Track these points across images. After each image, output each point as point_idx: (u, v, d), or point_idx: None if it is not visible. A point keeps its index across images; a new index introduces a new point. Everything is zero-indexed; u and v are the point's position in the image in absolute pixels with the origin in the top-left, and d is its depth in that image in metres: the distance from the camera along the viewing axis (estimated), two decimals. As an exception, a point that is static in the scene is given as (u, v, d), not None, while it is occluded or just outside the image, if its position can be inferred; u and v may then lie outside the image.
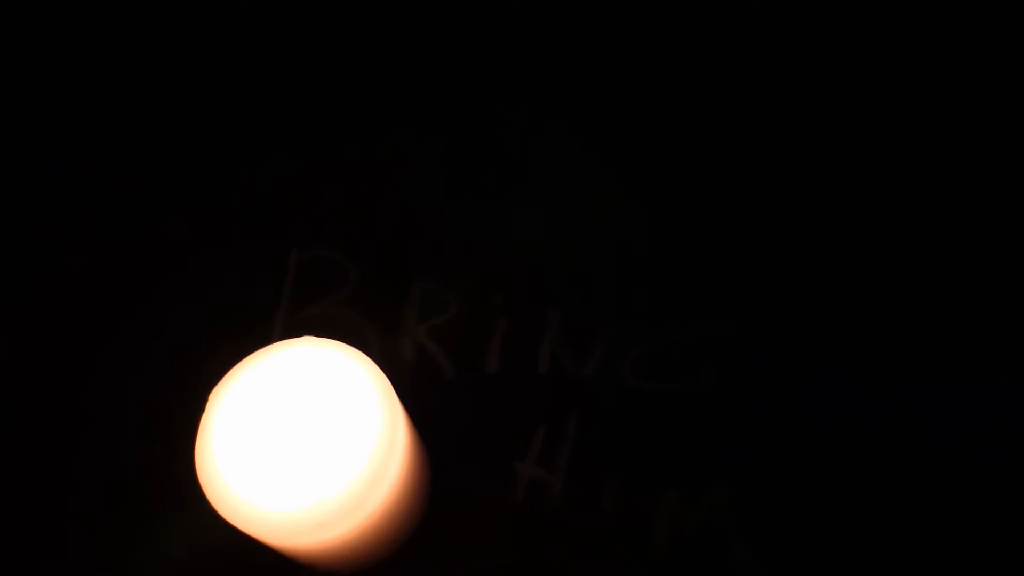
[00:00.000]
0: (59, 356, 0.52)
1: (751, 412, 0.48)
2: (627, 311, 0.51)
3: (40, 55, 0.62)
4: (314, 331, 0.42)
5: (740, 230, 0.53)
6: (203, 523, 0.38)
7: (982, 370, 0.48)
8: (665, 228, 0.54)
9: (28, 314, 0.54)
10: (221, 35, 0.62)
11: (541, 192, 0.56)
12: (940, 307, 0.50)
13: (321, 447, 0.38)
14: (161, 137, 0.59)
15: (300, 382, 0.40)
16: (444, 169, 0.57)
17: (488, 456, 0.48)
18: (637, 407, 0.49)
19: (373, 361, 0.41)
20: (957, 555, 0.44)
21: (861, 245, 0.52)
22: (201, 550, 0.44)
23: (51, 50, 0.62)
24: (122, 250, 0.55)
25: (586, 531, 0.46)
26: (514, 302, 0.52)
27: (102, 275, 0.54)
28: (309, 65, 0.61)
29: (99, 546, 0.47)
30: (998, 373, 0.48)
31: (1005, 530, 0.44)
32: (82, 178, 0.58)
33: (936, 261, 0.51)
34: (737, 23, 0.59)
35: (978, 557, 0.44)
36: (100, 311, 0.53)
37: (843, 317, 0.50)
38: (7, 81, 0.61)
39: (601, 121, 0.58)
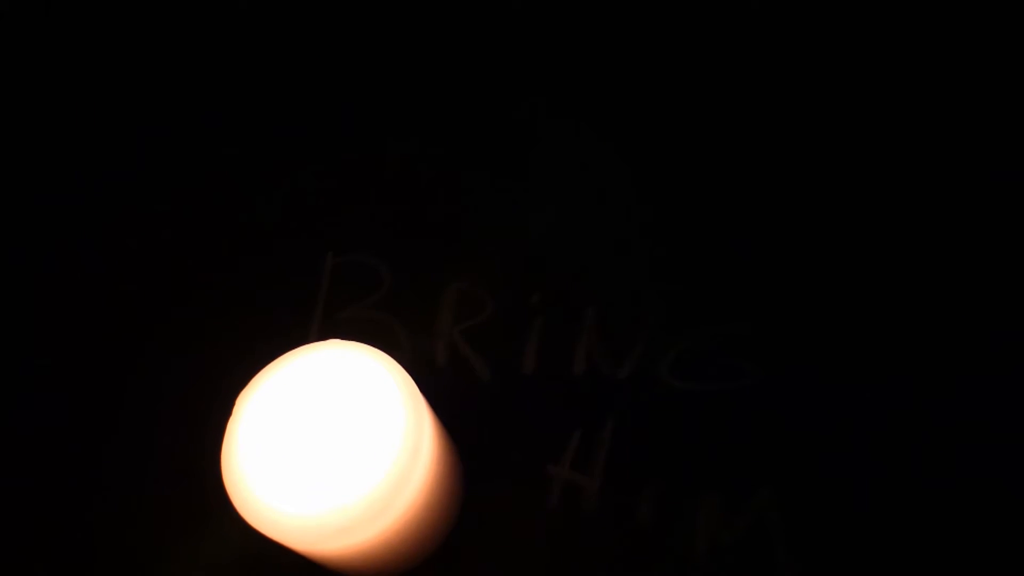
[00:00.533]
0: (93, 359, 0.53)
1: (794, 411, 0.46)
2: (665, 309, 0.50)
3: (87, 60, 0.64)
4: (348, 334, 0.42)
5: (779, 227, 0.52)
6: (230, 527, 0.38)
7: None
8: (703, 225, 0.53)
9: (64, 316, 0.55)
10: (261, 41, 0.63)
11: (577, 192, 0.55)
12: (991, 305, 0.47)
13: (345, 451, 0.38)
14: (201, 141, 0.60)
15: (326, 385, 0.39)
16: (480, 170, 0.56)
17: (523, 460, 0.47)
18: (675, 408, 0.47)
19: (403, 364, 0.40)
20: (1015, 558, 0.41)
21: (907, 240, 0.50)
22: (228, 554, 0.44)
23: (98, 56, 0.64)
24: (157, 254, 0.56)
25: (623, 537, 0.44)
26: (550, 301, 0.51)
27: (136, 281, 0.55)
28: (343, 71, 0.61)
29: (126, 551, 0.47)
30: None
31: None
32: (120, 178, 0.59)
33: (980, 258, 0.49)
34: (749, 23, 0.57)
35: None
36: (134, 315, 0.54)
37: (890, 314, 0.48)
38: (45, 87, 0.63)
39: (631, 122, 0.57)
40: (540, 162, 0.56)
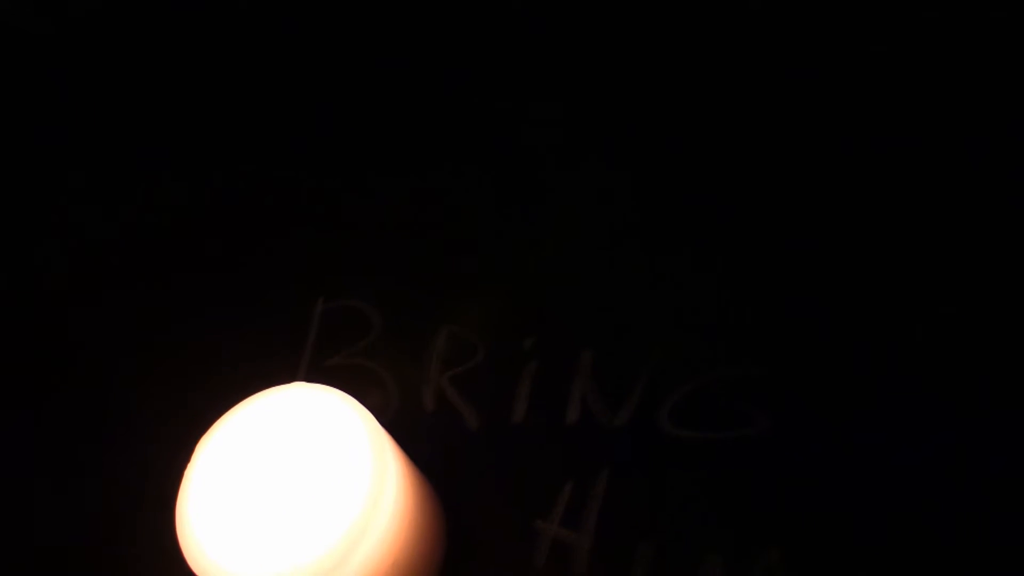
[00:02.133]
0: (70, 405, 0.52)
1: (806, 463, 0.42)
2: (665, 353, 0.46)
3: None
4: (335, 381, 0.40)
5: (789, 266, 0.48)
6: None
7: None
8: (705, 266, 0.49)
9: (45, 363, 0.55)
10: (241, 82, 0.63)
11: (572, 230, 0.52)
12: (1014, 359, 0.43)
13: (300, 503, 0.35)
14: (195, 178, 0.60)
15: (287, 430, 0.37)
16: (472, 210, 0.54)
17: (509, 514, 0.43)
18: (676, 459, 0.43)
19: (389, 413, 0.38)
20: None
21: (916, 285, 0.46)
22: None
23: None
24: (142, 297, 0.55)
25: (616, 601, 0.41)
26: (544, 345, 0.48)
27: (122, 322, 0.54)
28: (338, 111, 0.60)
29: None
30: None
31: None
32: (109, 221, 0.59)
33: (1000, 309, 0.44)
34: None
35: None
36: (117, 358, 0.53)
37: (910, 360, 0.44)
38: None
39: (636, 156, 0.54)
40: (535, 203, 0.54)
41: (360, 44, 0.62)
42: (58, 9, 0.73)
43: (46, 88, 0.67)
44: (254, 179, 0.58)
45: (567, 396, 0.46)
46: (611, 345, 0.47)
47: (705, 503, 0.42)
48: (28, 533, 0.47)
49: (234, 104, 0.63)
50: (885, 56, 0.53)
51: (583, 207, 0.53)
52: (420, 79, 0.60)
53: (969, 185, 0.49)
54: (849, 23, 0.54)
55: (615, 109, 0.56)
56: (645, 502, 0.43)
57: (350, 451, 0.36)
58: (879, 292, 0.47)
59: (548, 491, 0.44)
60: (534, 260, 0.51)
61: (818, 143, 0.52)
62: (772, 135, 0.53)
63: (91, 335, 0.54)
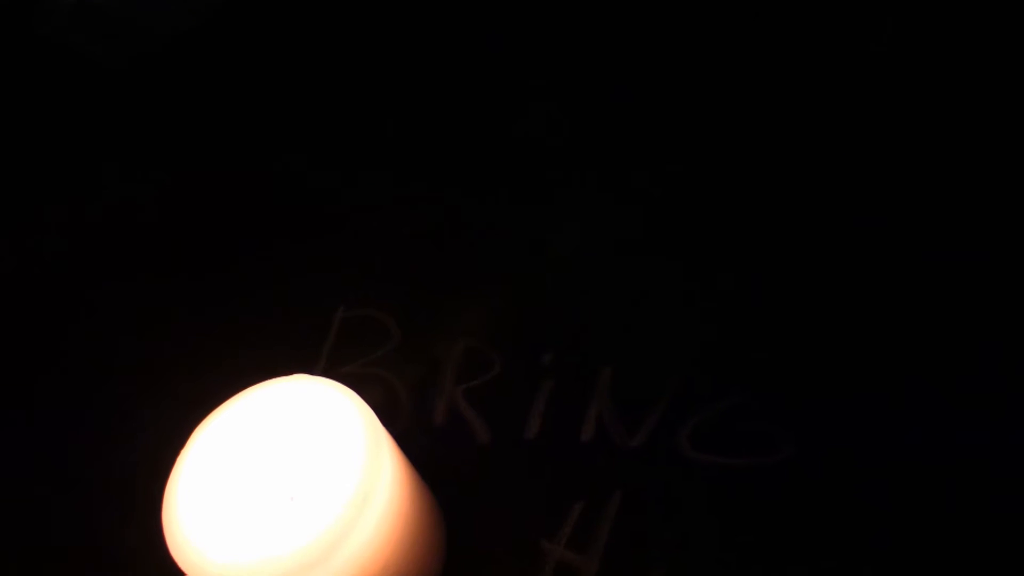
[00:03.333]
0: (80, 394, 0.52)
1: (832, 492, 0.39)
2: (688, 374, 0.44)
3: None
4: (353, 389, 0.39)
5: (820, 288, 0.46)
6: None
7: None
8: (736, 289, 0.47)
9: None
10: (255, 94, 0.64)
11: (597, 248, 0.51)
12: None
13: (289, 495, 0.34)
14: (212, 186, 0.60)
15: (284, 421, 0.37)
16: (497, 225, 0.53)
17: (515, 532, 0.41)
18: (693, 484, 0.41)
19: (400, 424, 0.39)
20: None
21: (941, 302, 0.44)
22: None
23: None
24: (162, 302, 0.55)
25: (622, 631, 0.38)
26: (563, 362, 0.46)
27: (143, 325, 0.54)
28: (362, 135, 0.61)
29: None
30: None
31: None
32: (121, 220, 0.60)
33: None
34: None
35: None
36: (139, 366, 0.53)
37: (941, 384, 0.41)
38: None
39: (656, 175, 0.53)
40: (564, 220, 0.53)
41: (379, 56, 0.64)
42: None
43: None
44: (283, 182, 0.59)
45: (583, 414, 0.44)
46: (632, 364, 0.45)
47: (722, 531, 0.39)
48: (20, 528, 0.47)
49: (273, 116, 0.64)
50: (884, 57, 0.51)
51: (609, 226, 0.52)
52: (444, 90, 0.60)
53: (970, 204, 0.46)
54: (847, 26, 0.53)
55: (640, 125, 0.55)
56: (658, 527, 0.40)
57: (344, 445, 0.35)
58: (913, 315, 0.44)
59: (557, 511, 0.41)
60: (556, 276, 0.50)
61: (831, 153, 0.51)
62: (792, 151, 0.52)
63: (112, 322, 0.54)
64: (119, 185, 0.64)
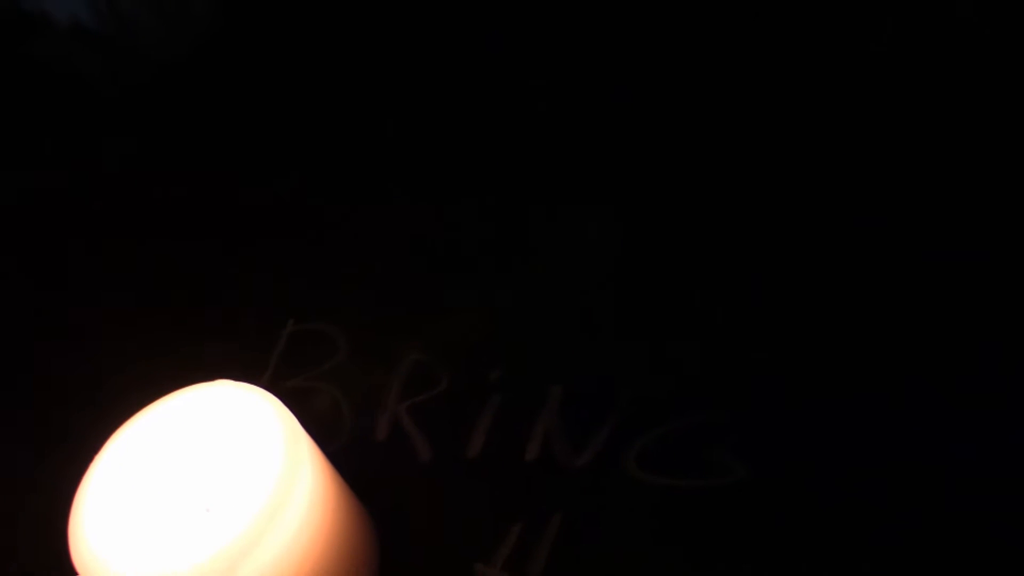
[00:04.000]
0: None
1: (790, 516, 0.37)
2: (638, 394, 0.42)
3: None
4: (293, 403, 0.37)
5: (773, 305, 0.44)
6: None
7: None
8: (686, 308, 0.46)
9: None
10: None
11: (550, 265, 0.49)
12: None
13: (197, 504, 0.33)
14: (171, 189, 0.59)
15: (200, 428, 0.35)
16: (449, 240, 0.52)
17: (450, 553, 0.39)
18: (641, 505, 0.39)
19: (342, 438, 0.39)
20: None
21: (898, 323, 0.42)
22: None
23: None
24: (105, 307, 0.54)
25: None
26: (512, 379, 0.45)
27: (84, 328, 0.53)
28: (316, 140, 0.60)
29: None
30: None
31: None
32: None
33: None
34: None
35: None
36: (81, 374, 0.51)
37: (899, 405, 0.39)
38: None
39: (616, 195, 0.52)
40: (511, 233, 0.51)
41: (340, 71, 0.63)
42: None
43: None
44: (234, 190, 0.58)
45: (528, 433, 0.42)
46: (582, 383, 0.44)
47: (667, 556, 0.37)
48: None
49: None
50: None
51: (562, 244, 0.50)
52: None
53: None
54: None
55: (595, 145, 0.54)
56: (599, 550, 0.38)
57: (260, 454, 0.33)
58: (866, 337, 0.42)
59: (495, 532, 0.39)
60: (508, 292, 0.49)
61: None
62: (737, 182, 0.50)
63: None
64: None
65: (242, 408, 0.35)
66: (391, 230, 0.54)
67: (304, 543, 0.33)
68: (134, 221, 0.60)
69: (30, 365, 0.51)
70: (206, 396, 0.36)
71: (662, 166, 0.53)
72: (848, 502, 0.37)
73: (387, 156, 0.59)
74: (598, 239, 0.50)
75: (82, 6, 0.88)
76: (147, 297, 0.54)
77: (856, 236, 0.46)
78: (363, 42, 0.67)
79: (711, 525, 0.38)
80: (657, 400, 0.42)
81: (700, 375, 0.43)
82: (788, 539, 0.36)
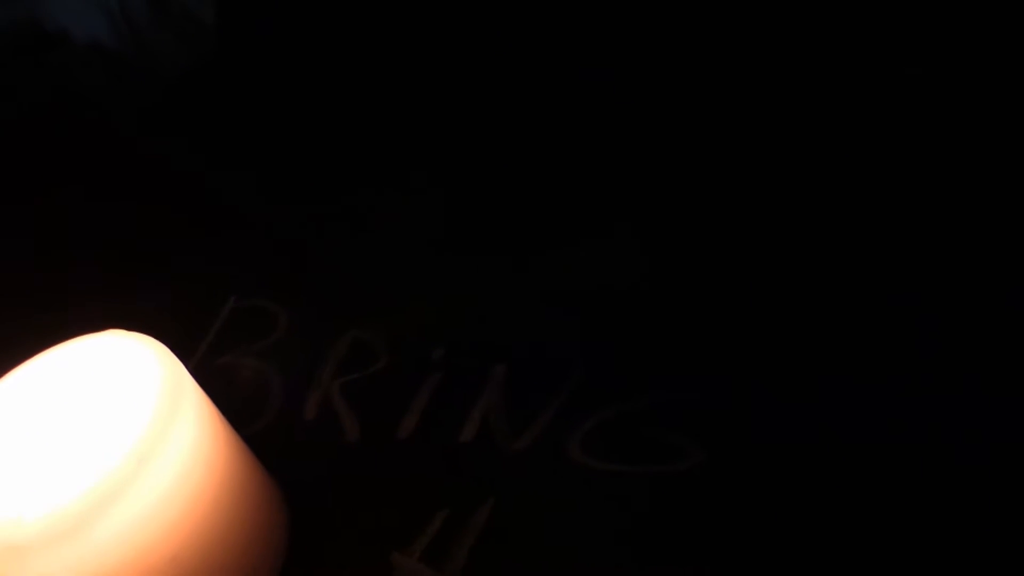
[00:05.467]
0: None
1: (745, 503, 0.32)
2: (589, 374, 0.38)
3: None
4: (225, 378, 0.34)
5: (730, 294, 0.40)
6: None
7: None
8: (638, 291, 0.42)
9: None
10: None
11: (496, 244, 0.46)
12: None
13: (62, 454, 0.29)
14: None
15: (78, 380, 0.32)
16: (396, 221, 0.49)
17: (365, 540, 0.35)
18: (583, 493, 0.34)
19: (270, 416, 0.35)
20: None
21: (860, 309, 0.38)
22: None
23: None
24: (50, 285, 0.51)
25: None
26: (456, 358, 0.41)
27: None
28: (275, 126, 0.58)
29: None
30: None
31: None
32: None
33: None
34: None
35: None
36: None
37: (863, 388, 0.34)
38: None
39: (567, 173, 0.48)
40: (467, 216, 0.48)
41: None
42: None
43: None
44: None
45: (467, 414, 0.38)
46: (531, 362, 0.39)
47: (608, 547, 0.32)
48: None
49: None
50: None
51: (510, 221, 0.47)
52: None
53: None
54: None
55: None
56: (531, 541, 0.33)
57: (134, 404, 0.29)
58: (823, 317, 0.38)
59: (417, 519, 0.35)
60: (460, 275, 0.45)
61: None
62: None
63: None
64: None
65: (127, 357, 0.32)
66: (327, 217, 0.51)
67: (180, 505, 0.29)
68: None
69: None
70: (93, 346, 0.33)
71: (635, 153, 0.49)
72: (816, 486, 0.32)
73: (351, 150, 0.56)
74: (559, 225, 0.46)
75: (102, 26, 0.88)
76: (97, 266, 0.51)
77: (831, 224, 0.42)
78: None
79: (661, 516, 0.33)
80: (608, 382, 0.37)
81: (657, 357, 0.38)
82: (745, 529, 0.31)
